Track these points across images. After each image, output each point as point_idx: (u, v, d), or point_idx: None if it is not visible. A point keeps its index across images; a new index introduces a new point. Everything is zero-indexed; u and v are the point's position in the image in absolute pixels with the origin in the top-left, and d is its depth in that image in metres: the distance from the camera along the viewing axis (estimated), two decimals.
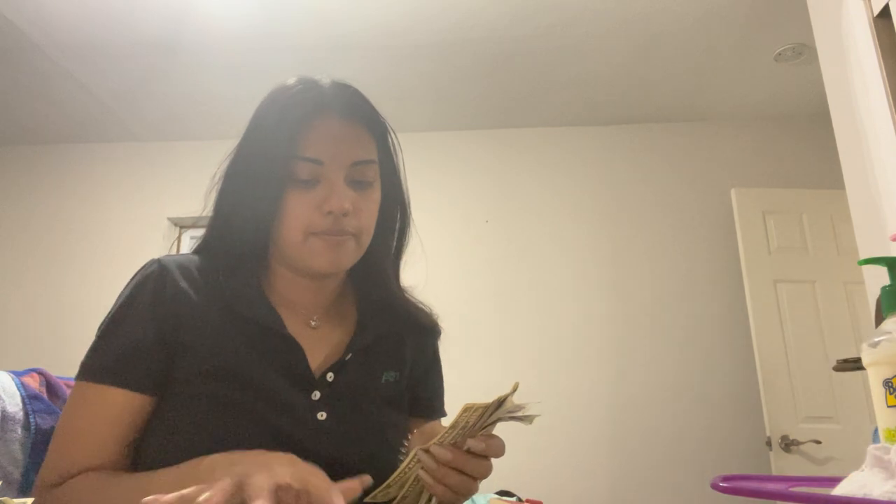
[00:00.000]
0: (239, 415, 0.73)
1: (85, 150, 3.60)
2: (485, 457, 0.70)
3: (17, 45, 2.77)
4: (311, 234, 0.80)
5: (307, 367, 0.80)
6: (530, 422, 0.69)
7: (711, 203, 3.22)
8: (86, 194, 3.54)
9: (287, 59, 2.84)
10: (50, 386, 1.02)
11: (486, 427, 0.68)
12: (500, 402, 0.65)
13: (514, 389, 0.66)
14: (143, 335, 0.77)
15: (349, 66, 2.86)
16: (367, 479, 0.64)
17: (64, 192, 3.55)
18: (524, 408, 0.67)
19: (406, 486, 0.71)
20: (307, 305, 0.87)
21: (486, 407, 0.64)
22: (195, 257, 0.87)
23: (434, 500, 0.71)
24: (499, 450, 0.70)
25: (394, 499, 0.72)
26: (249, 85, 3.00)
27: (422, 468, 0.68)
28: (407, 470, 0.69)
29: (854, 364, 1.59)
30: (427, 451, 0.68)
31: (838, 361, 1.73)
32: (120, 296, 0.82)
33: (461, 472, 0.69)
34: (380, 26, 2.68)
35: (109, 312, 0.81)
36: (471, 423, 0.66)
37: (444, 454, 0.67)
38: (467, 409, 0.64)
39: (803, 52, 2.80)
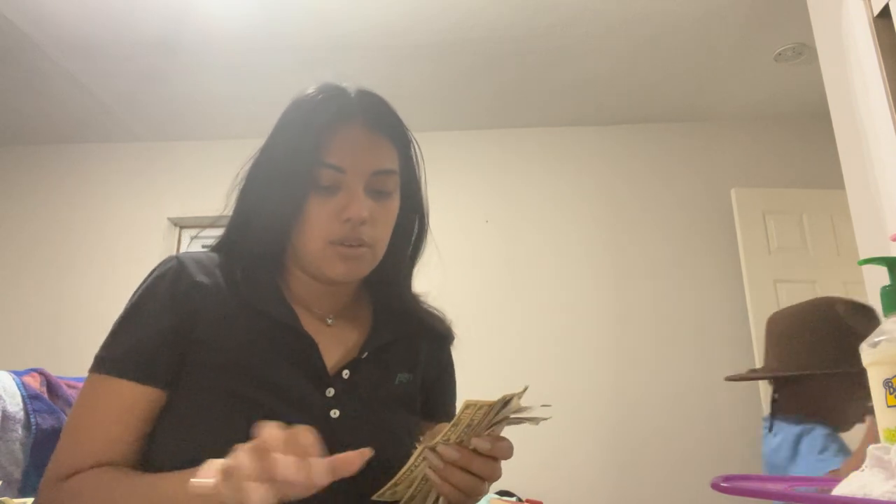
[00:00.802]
0: (253, 409, 0.73)
1: (85, 150, 3.60)
2: (492, 457, 0.69)
3: (17, 45, 2.77)
4: (330, 243, 0.81)
5: (322, 363, 0.81)
6: (537, 423, 0.69)
7: (711, 203, 3.22)
8: (86, 194, 3.54)
9: (287, 59, 2.84)
10: (50, 386, 1.03)
11: (492, 427, 0.68)
12: (506, 402, 0.65)
13: (523, 391, 0.66)
14: (157, 329, 0.78)
15: (349, 67, 2.86)
16: (366, 452, 0.61)
17: (64, 192, 3.55)
18: (531, 409, 0.67)
19: (414, 485, 0.71)
20: (323, 306, 0.88)
21: (491, 405, 0.64)
22: (214, 255, 0.88)
23: (441, 499, 0.71)
24: (506, 451, 0.70)
25: (401, 498, 0.72)
26: (250, 85, 3.00)
27: (429, 467, 0.68)
28: (413, 468, 0.69)
29: (742, 375, 1.56)
30: (433, 449, 0.68)
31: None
32: (136, 290, 0.82)
33: (468, 471, 0.68)
34: (380, 26, 2.68)
35: (126, 307, 0.82)
36: (476, 422, 0.66)
37: (451, 453, 0.67)
38: (469, 406, 0.64)
39: (803, 52, 2.80)
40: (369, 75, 2.86)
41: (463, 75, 3.01)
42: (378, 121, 0.86)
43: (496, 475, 0.70)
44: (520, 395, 0.66)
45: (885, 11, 1.62)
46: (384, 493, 0.71)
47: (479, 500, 0.71)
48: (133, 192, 3.51)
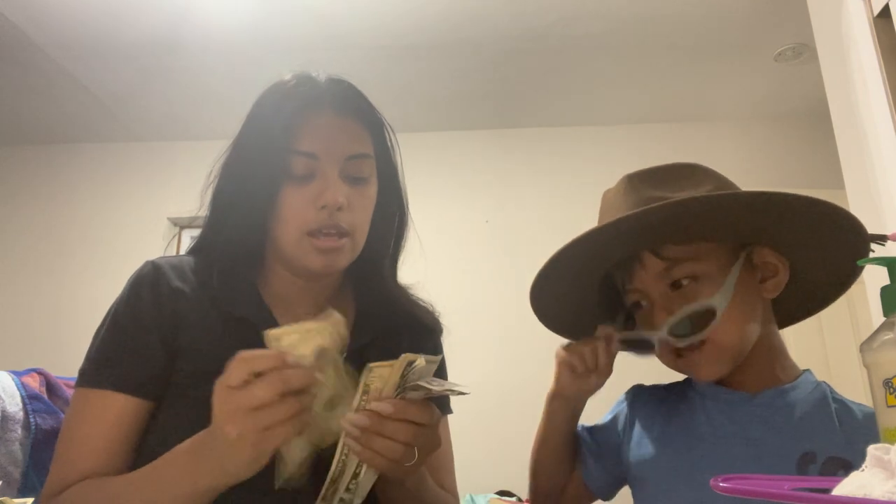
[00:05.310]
0: None
1: (85, 150, 3.60)
2: (405, 421, 0.66)
3: (17, 45, 2.77)
4: (307, 234, 0.79)
5: None
6: (455, 394, 0.68)
7: None
8: (86, 194, 3.54)
9: (287, 58, 2.84)
10: (50, 386, 1.02)
11: (406, 392, 0.67)
12: (411, 363, 0.65)
13: (438, 358, 0.67)
14: (143, 338, 0.76)
15: (349, 66, 2.84)
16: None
17: (64, 192, 3.55)
18: (448, 382, 0.67)
19: (346, 471, 0.69)
20: (303, 304, 0.87)
21: (392, 367, 0.65)
22: (189, 258, 0.86)
23: (364, 468, 0.68)
24: (416, 414, 0.66)
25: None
26: (249, 84, 2.99)
27: (347, 437, 0.66)
28: (343, 457, 0.67)
29: None
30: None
31: None
32: (116, 300, 0.81)
33: (384, 436, 0.65)
34: (380, 26, 2.68)
35: (106, 317, 0.80)
36: (384, 387, 0.65)
37: (361, 419, 0.65)
38: (372, 370, 0.64)
39: (803, 52, 2.80)
40: (369, 75, 2.85)
41: (463, 75, 3.01)
42: (349, 106, 0.84)
43: (421, 441, 0.67)
44: (430, 360, 0.66)
45: (885, 11, 1.62)
46: (326, 494, 0.69)
47: (411, 466, 0.68)
48: (133, 192, 3.51)
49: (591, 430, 0.96)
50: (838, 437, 0.77)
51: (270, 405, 0.58)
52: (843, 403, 0.82)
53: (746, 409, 0.81)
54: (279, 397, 0.59)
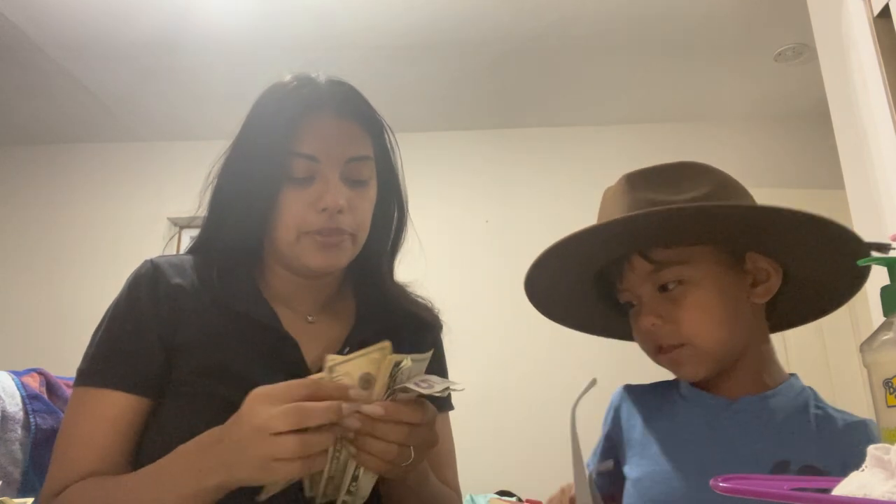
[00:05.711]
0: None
1: (85, 150, 3.60)
2: (398, 422, 0.65)
3: (17, 45, 2.77)
4: (305, 233, 0.80)
5: (302, 362, 0.79)
6: (444, 393, 0.68)
7: None
8: (86, 194, 3.54)
9: (287, 58, 2.84)
10: (50, 386, 1.02)
11: (394, 394, 0.67)
12: (398, 363, 0.65)
13: (417, 359, 0.67)
14: (141, 336, 0.77)
15: (349, 66, 2.85)
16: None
17: (64, 192, 3.55)
18: (436, 379, 0.67)
19: (344, 469, 0.69)
20: (304, 302, 0.87)
21: (352, 360, 0.65)
22: (189, 257, 0.86)
23: (362, 470, 0.68)
24: (404, 413, 0.65)
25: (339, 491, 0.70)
26: (249, 84, 2.99)
27: (342, 438, 0.66)
28: (337, 454, 0.67)
29: None
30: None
31: None
32: (115, 299, 0.81)
33: (377, 437, 0.65)
34: (379, 26, 2.68)
35: (104, 316, 0.80)
36: (376, 386, 0.65)
37: (353, 423, 0.64)
38: (330, 370, 0.64)
39: (803, 52, 2.80)
40: (369, 75, 2.86)
41: (462, 75, 3.01)
42: (349, 108, 0.84)
43: (416, 440, 0.66)
44: (417, 358, 0.66)
45: (885, 11, 1.61)
46: (326, 490, 0.69)
47: (409, 465, 0.67)
48: (133, 192, 3.51)
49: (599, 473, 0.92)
50: (815, 446, 0.75)
51: (289, 438, 0.60)
52: (825, 411, 0.80)
53: (725, 415, 0.79)
54: (300, 435, 0.60)
